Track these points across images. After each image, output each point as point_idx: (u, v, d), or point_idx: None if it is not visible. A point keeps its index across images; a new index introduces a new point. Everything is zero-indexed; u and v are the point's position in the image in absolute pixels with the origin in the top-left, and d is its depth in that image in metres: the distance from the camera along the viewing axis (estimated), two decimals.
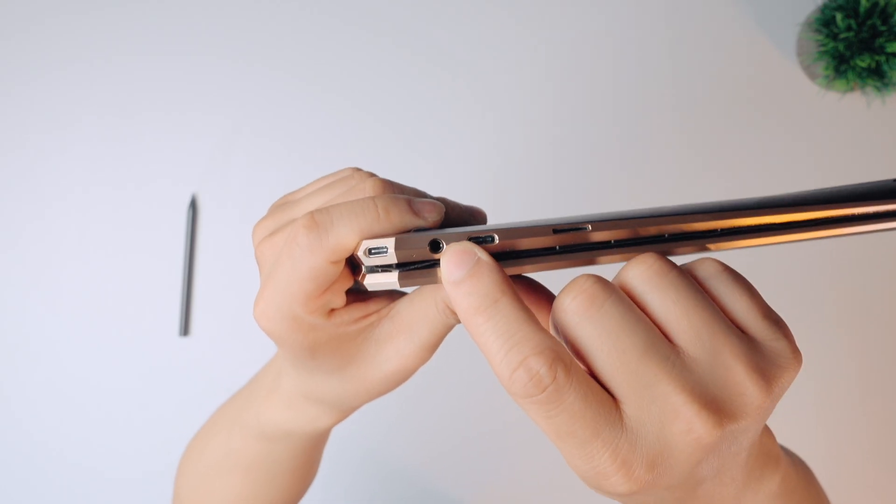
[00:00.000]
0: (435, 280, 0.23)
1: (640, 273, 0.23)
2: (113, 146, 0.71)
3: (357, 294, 0.29)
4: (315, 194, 0.27)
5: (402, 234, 0.23)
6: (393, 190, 0.26)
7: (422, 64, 0.73)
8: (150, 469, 0.69)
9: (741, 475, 0.25)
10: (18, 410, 0.69)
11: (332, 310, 0.27)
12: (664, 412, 0.21)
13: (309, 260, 0.24)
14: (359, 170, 0.28)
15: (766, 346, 0.22)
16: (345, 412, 0.34)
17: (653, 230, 0.24)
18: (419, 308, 0.27)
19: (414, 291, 0.28)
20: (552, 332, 0.23)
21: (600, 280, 0.22)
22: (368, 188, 0.26)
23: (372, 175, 0.27)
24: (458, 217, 0.28)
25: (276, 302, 0.25)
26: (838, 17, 0.63)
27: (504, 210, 0.71)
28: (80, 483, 0.68)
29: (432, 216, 0.24)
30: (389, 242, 0.23)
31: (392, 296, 0.29)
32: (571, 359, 0.21)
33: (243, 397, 0.38)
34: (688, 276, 0.23)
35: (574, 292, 0.22)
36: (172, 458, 0.68)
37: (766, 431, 0.27)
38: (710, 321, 0.22)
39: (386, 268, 0.23)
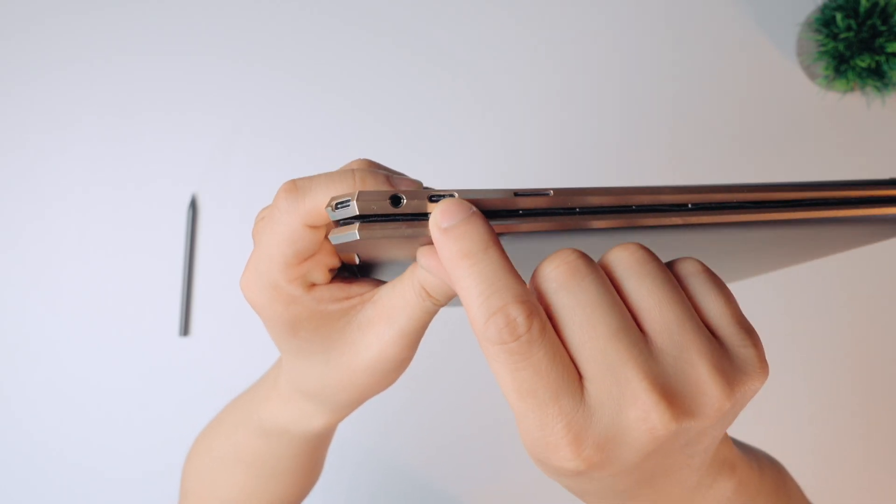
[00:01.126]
0: (396, 234, 0.23)
1: (622, 258, 0.23)
2: (113, 146, 0.71)
3: (342, 277, 0.29)
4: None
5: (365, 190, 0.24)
6: (377, 167, 0.27)
7: (422, 64, 0.73)
8: (150, 469, 0.69)
9: (692, 480, 0.25)
10: (18, 410, 0.69)
11: (314, 285, 0.28)
12: (624, 396, 0.21)
13: (286, 221, 0.25)
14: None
15: (733, 352, 0.23)
16: (337, 410, 0.34)
17: (620, 200, 0.24)
18: (398, 293, 0.28)
19: (395, 278, 0.28)
20: None
21: (584, 256, 0.23)
22: (355, 164, 0.27)
23: (366, 158, 0.28)
24: None
25: (258, 268, 0.27)
26: (838, 17, 0.63)
27: None
28: (80, 483, 0.68)
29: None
30: (353, 194, 0.23)
31: (376, 282, 0.29)
32: (547, 319, 0.22)
33: (248, 395, 0.39)
34: (667, 269, 0.24)
35: (556, 261, 0.23)
36: (172, 458, 0.68)
37: (723, 438, 0.27)
38: (682, 316, 0.22)
39: (349, 220, 0.24)
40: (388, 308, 0.28)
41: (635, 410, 0.21)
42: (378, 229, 0.23)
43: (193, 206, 0.71)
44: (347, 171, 0.25)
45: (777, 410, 0.70)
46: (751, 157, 0.72)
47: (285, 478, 0.39)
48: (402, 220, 0.23)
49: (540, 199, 0.24)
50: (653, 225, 0.24)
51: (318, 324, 0.28)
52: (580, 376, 0.22)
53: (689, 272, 0.24)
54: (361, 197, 0.23)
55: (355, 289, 0.29)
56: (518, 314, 0.21)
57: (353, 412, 0.61)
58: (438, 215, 0.23)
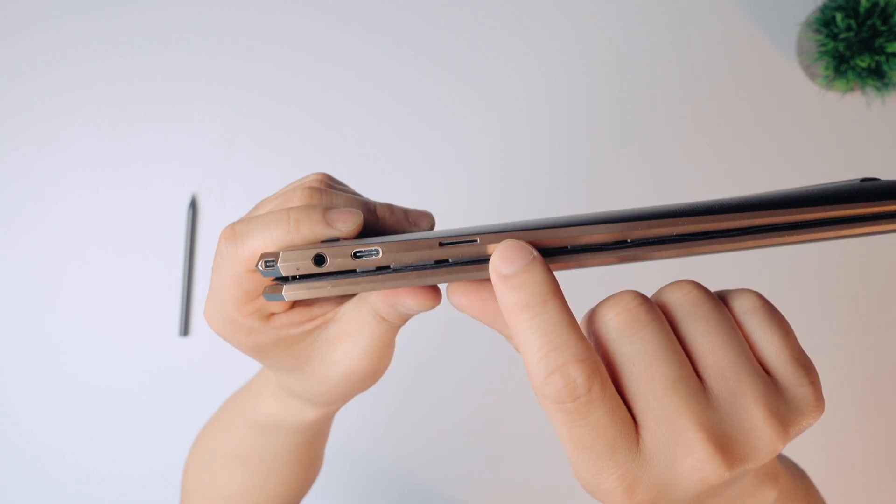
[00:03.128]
0: (321, 293, 0.24)
1: (676, 299, 0.23)
2: (113, 146, 0.71)
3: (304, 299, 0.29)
4: (273, 201, 0.28)
5: (289, 248, 0.24)
6: (320, 199, 0.27)
7: (423, 63, 0.73)
8: (150, 469, 0.69)
9: (733, 492, 0.25)
10: (19, 410, 0.69)
11: (273, 314, 0.28)
12: (679, 445, 0.21)
13: (228, 269, 0.26)
14: (324, 177, 0.29)
15: (789, 391, 0.22)
16: (326, 407, 0.34)
17: (555, 241, 0.23)
18: (358, 314, 0.28)
19: (355, 298, 0.28)
20: None
21: (646, 301, 0.23)
22: (296, 198, 0.27)
23: (312, 184, 0.28)
24: (395, 223, 0.28)
25: (213, 306, 0.27)
26: (838, 17, 0.63)
27: (508, 209, 0.71)
28: (80, 483, 0.68)
29: (346, 226, 0.25)
30: (278, 255, 0.23)
31: (339, 300, 0.29)
32: (607, 375, 0.21)
33: (243, 393, 0.39)
34: (723, 309, 0.23)
35: (617, 308, 0.22)
36: (172, 459, 0.68)
37: None
38: (736, 361, 0.22)
39: (280, 280, 0.24)
40: (351, 327, 0.28)
41: (690, 461, 0.21)
42: (304, 289, 0.23)
43: (193, 206, 0.71)
44: (283, 213, 0.25)
45: None
46: (750, 157, 0.72)
47: (283, 473, 0.39)
48: (328, 279, 0.23)
49: (468, 248, 0.23)
50: (602, 264, 0.24)
51: (284, 347, 0.29)
52: (636, 423, 0.22)
53: (745, 308, 0.24)
54: (285, 258, 0.23)
55: (317, 310, 0.29)
56: (578, 374, 0.20)
57: (352, 413, 0.61)
58: (497, 260, 0.22)
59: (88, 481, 0.68)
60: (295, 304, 0.28)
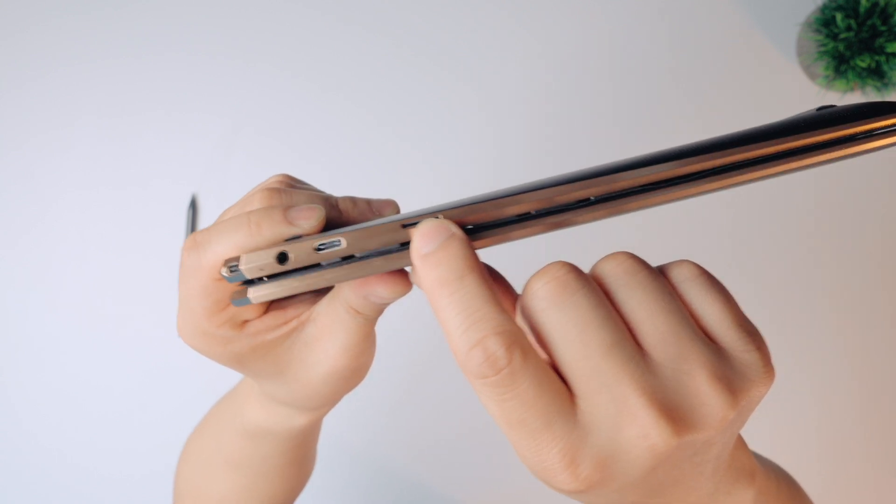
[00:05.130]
0: (287, 291, 0.23)
1: (610, 269, 0.22)
2: (113, 146, 0.71)
3: (276, 302, 0.29)
4: (235, 208, 0.28)
5: (252, 251, 0.23)
6: (280, 199, 0.26)
7: (423, 63, 0.73)
8: (149, 469, 0.69)
9: (706, 488, 0.24)
10: (19, 410, 0.69)
11: (246, 321, 0.27)
12: (621, 414, 0.20)
13: (193, 279, 0.25)
14: (285, 178, 0.28)
15: (735, 357, 0.22)
16: (313, 411, 0.34)
17: (513, 210, 0.23)
18: (332, 310, 0.28)
19: (328, 294, 0.28)
20: (518, 318, 0.23)
21: (574, 269, 0.22)
22: (256, 201, 0.26)
23: (271, 185, 0.27)
24: (359, 215, 0.28)
25: (184, 320, 0.27)
26: (838, 17, 0.63)
27: None
28: (80, 483, 0.68)
29: (308, 223, 0.24)
30: (240, 259, 0.23)
31: (313, 299, 0.29)
32: (530, 345, 0.21)
33: (230, 397, 0.39)
34: (659, 277, 0.23)
35: (546, 277, 0.22)
36: (172, 459, 0.68)
37: (740, 445, 0.26)
38: (676, 326, 0.21)
39: (247, 283, 0.24)
40: (327, 325, 0.28)
41: (634, 428, 0.20)
42: (270, 289, 0.23)
43: (193, 206, 0.71)
44: (243, 217, 0.24)
45: (780, 415, 0.70)
46: None
47: (275, 476, 0.39)
48: (293, 276, 0.23)
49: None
50: (556, 228, 0.24)
51: (263, 353, 0.28)
52: (571, 395, 0.21)
53: (684, 277, 0.23)
54: (247, 260, 0.23)
55: (291, 312, 0.28)
56: (497, 347, 0.20)
57: (350, 412, 0.61)
58: (417, 240, 0.22)
59: (88, 481, 0.68)
60: (268, 309, 0.28)
